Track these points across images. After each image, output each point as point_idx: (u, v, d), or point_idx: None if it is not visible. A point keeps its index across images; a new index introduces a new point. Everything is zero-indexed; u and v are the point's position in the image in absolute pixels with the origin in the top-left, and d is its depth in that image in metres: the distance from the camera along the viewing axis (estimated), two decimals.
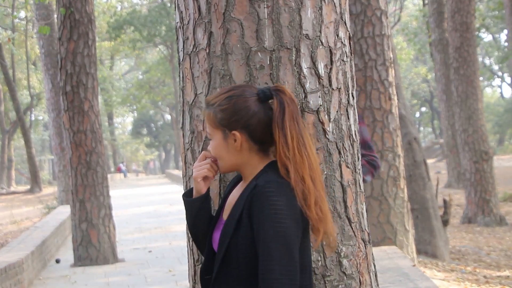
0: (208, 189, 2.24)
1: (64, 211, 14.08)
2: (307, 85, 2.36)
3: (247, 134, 2.10)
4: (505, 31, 36.03)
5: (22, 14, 29.50)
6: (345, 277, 2.38)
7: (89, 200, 9.63)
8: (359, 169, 2.53)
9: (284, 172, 2.05)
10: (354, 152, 2.48)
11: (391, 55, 7.62)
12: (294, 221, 2.02)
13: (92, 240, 9.59)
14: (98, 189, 9.73)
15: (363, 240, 2.47)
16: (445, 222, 10.03)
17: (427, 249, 9.41)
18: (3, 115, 34.23)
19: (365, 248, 2.48)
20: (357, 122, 2.56)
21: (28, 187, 33.19)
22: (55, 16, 14.51)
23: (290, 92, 2.13)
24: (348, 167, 2.44)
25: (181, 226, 12.98)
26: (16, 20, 27.91)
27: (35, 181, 30.57)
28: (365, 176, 3.48)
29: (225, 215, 2.19)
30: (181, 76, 2.56)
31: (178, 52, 2.58)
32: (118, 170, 49.81)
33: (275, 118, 2.07)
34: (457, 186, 20.62)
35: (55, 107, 17.44)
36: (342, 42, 2.47)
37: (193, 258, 2.54)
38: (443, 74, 18.98)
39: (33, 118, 39.56)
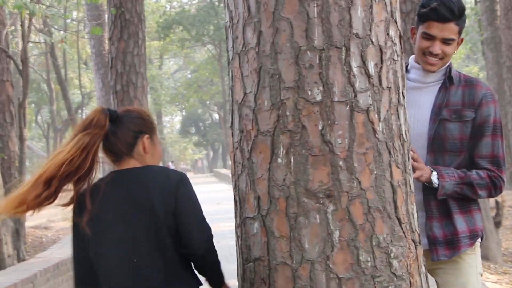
0: None
1: None
2: (357, 84, 2.34)
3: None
4: None
5: (74, 14, 30.03)
6: (395, 278, 2.35)
7: None
8: (409, 169, 2.49)
9: None
10: (404, 152, 2.45)
11: None
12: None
13: None
14: None
15: (413, 241, 2.44)
16: (497, 224, 9.83)
17: None
18: (55, 113, 34.92)
19: (416, 249, 2.45)
20: (407, 122, 2.53)
21: None
22: (106, 16, 14.74)
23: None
24: (398, 167, 2.41)
25: (229, 225, 12.98)
26: (68, 21, 28.42)
27: None
28: (480, 191, 3.08)
29: None
30: (230, 75, 2.57)
31: (228, 51, 2.59)
32: None
33: None
34: (509, 187, 20.19)
35: (105, 106, 17.68)
36: (392, 41, 2.44)
37: (242, 257, 2.53)
38: (495, 73, 18.61)
39: (84, 117, 40.19)
